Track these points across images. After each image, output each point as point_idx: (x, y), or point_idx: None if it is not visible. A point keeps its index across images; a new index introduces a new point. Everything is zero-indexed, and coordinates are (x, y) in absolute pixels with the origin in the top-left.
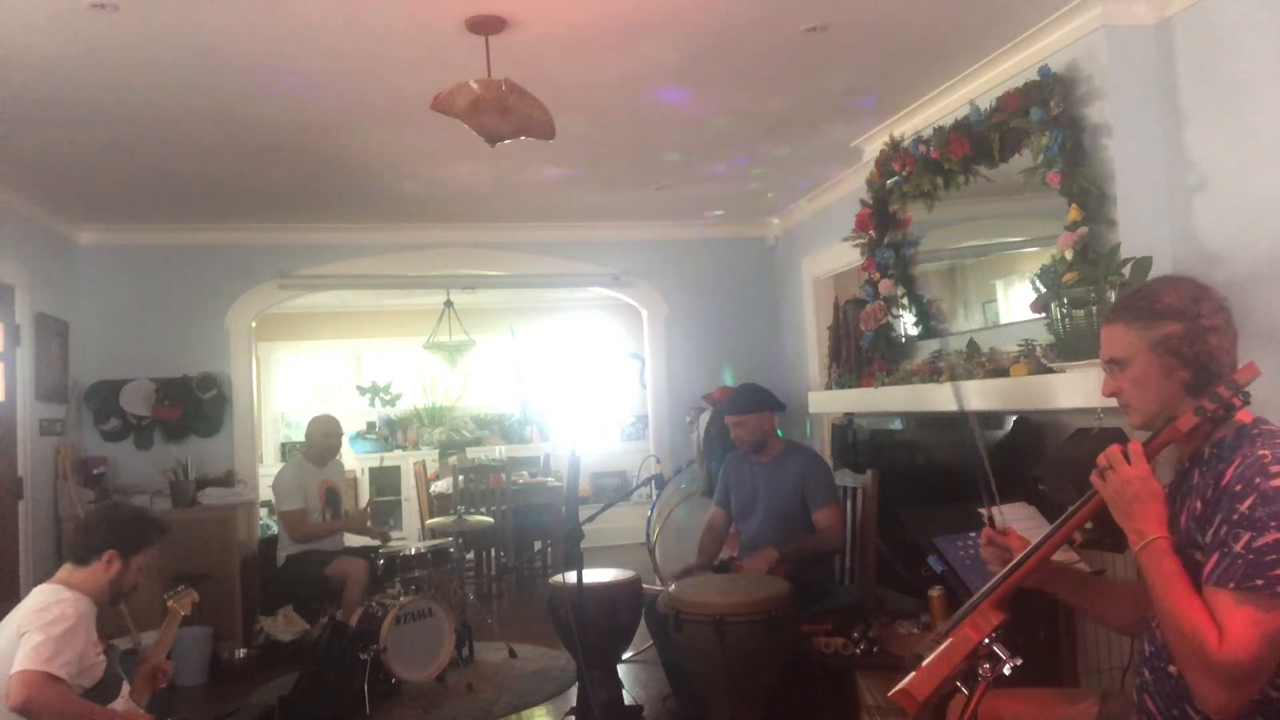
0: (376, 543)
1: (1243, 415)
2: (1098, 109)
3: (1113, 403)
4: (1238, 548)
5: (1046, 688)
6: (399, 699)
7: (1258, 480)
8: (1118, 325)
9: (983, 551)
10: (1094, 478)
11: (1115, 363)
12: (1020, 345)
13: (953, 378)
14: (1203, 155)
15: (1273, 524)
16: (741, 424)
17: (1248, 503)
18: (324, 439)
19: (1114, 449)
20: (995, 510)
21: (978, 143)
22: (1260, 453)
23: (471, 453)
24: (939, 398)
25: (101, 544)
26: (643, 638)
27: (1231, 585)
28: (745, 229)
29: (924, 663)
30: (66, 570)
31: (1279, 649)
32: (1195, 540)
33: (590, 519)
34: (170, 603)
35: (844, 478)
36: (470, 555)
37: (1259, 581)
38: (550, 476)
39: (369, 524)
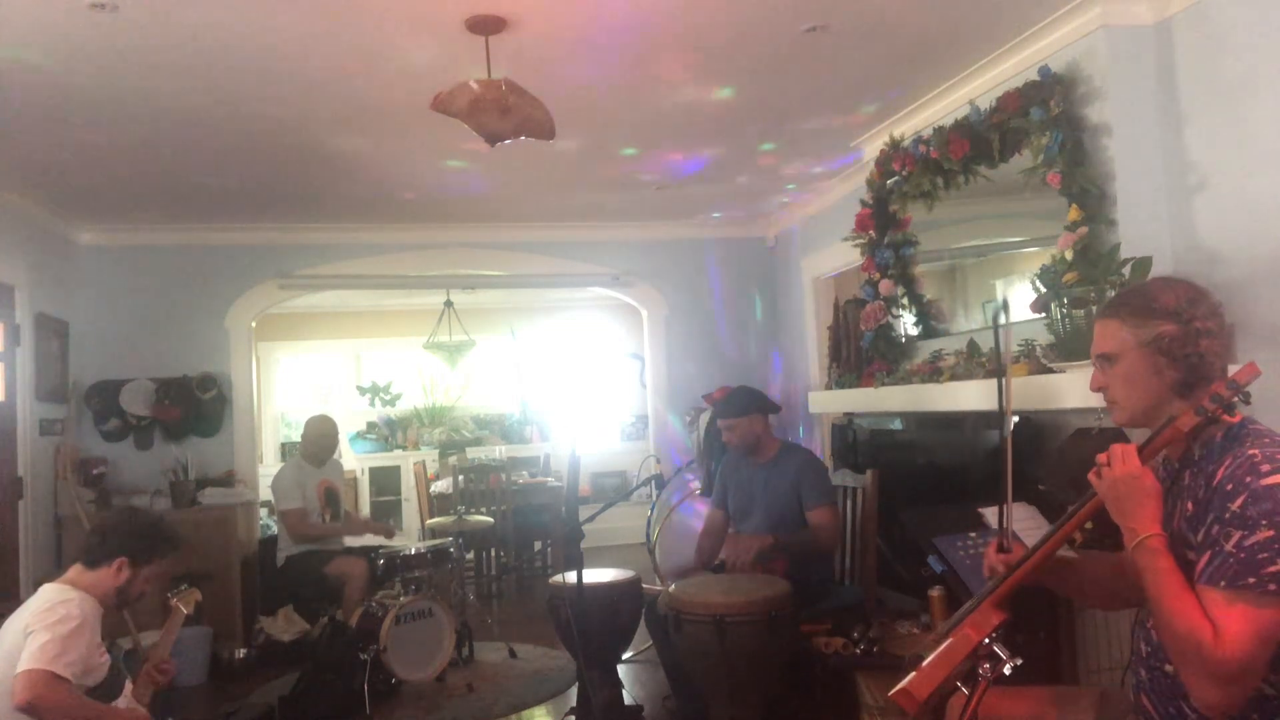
0: (377, 542)
1: (1230, 417)
2: (1098, 109)
3: None
4: (1229, 546)
5: (1046, 687)
6: (399, 699)
7: (1249, 479)
8: (1112, 321)
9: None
10: (1091, 475)
11: (1105, 358)
12: (1020, 345)
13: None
14: (1203, 155)
15: (1264, 522)
16: (732, 428)
17: (1239, 501)
18: (319, 439)
19: (1115, 446)
20: (989, 512)
21: (978, 143)
22: (1250, 452)
23: (471, 453)
24: (939, 398)
25: (115, 550)
26: (643, 638)
27: (1223, 584)
28: (745, 229)
29: (924, 663)
30: (75, 571)
31: (1271, 646)
32: (1188, 540)
33: (590, 519)
34: (173, 601)
35: (844, 478)
36: (470, 555)
37: (1250, 580)
38: (550, 476)
39: (369, 523)
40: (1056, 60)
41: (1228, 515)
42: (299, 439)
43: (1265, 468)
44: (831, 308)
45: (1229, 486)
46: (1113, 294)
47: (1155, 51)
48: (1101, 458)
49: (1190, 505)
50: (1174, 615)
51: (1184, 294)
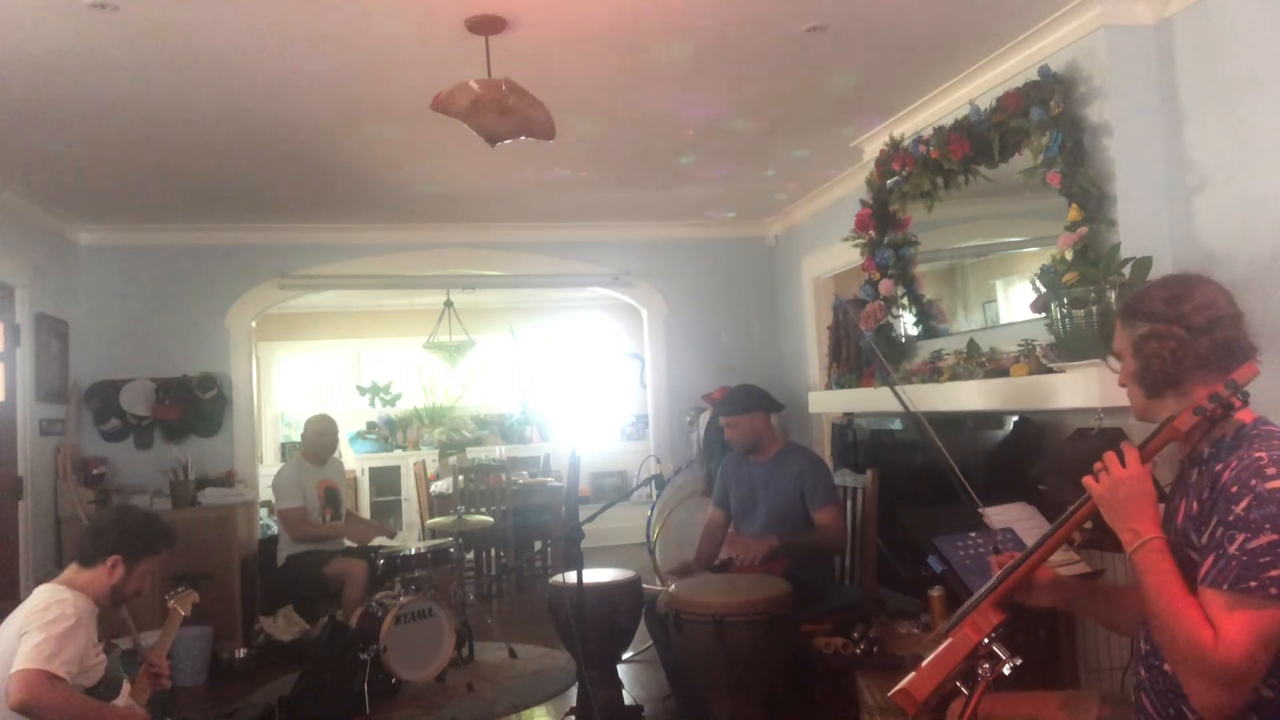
0: (378, 542)
1: (1243, 415)
2: (1098, 109)
3: (1112, 402)
4: (1232, 549)
5: (1047, 691)
6: (399, 699)
7: (1253, 482)
8: (1117, 321)
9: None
10: (1087, 480)
11: (1116, 356)
12: (1020, 345)
13: (885, 382)
14: (1203, 155)
15: (1267, 526)
16: (734, 425)
17: (1243, 504)
18: (319, 438)
19: (1110, 454)
20: (989, 511)
21: (978, 143)
22: (1257, 454)
23: (471, 453)
24: (938, 398)
25: (108, 548)
26: (643, 638)
27: (1225, 587)
28: (745, 229)
29: (924, 663)
30: (71, 570)
31: (1272, 650)
32: (1191, 540)
33: (590, 519)
34: (171, 603)
35: (844, 478)
36: (470, 555)
37: (1252, 583)
38: (550, 476)
39: (371, 525)
40: (1056, 60)
41: (1231, 518)
42: (299, 439)
43: (1271, 471)
44: (831, 308)
45: (1234, 489)
46: (1113, 294)
47: (1155, 51)
48: (1098, 464)
49: (1195, 505)
50: (1174, 618)
51: (1169, 293)
